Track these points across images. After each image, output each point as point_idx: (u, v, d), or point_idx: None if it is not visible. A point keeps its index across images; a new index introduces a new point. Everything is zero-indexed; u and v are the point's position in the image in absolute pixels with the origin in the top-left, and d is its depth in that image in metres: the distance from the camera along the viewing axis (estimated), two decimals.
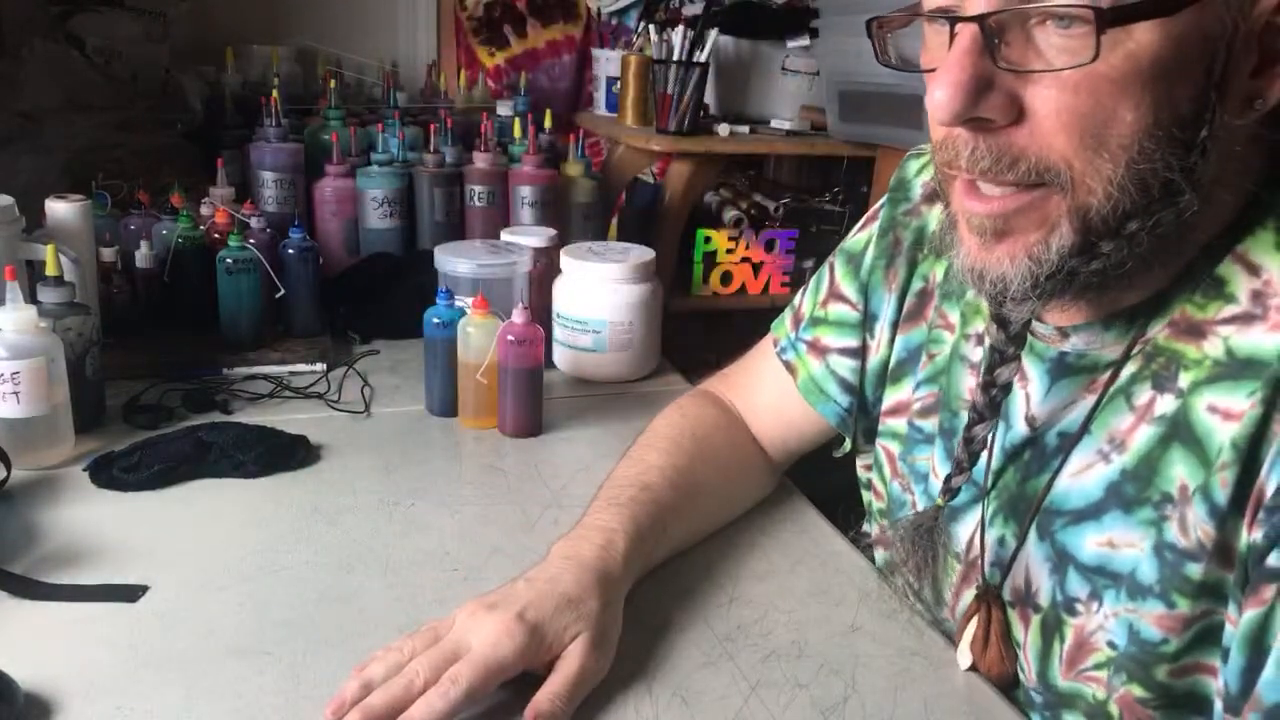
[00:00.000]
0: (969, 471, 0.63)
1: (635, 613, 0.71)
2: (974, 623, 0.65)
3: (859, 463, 0.83)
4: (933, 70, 0.52)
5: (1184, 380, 0.54)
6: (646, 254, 1.17)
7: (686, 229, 1.70)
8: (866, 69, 1.49)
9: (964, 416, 0.66)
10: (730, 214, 1.75)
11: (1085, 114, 0.48)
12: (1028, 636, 0.62)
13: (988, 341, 0.62)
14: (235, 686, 0.61)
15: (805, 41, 1.74)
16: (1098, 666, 0.58)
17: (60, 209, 1.04)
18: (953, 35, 0.50)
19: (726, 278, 1.75)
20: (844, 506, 0.87)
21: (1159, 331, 0.56)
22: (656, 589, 0.74)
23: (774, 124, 1.75)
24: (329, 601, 0.71)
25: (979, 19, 0.49)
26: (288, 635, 0.66)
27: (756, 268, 1.76)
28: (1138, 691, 0.55)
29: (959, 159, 0.52)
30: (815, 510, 0.88)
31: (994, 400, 0.61)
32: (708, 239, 1.71)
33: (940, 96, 0.50)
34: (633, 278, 1.14)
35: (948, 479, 0.65)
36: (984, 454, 0.64)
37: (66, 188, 1.09)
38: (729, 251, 1.74)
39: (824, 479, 0.91)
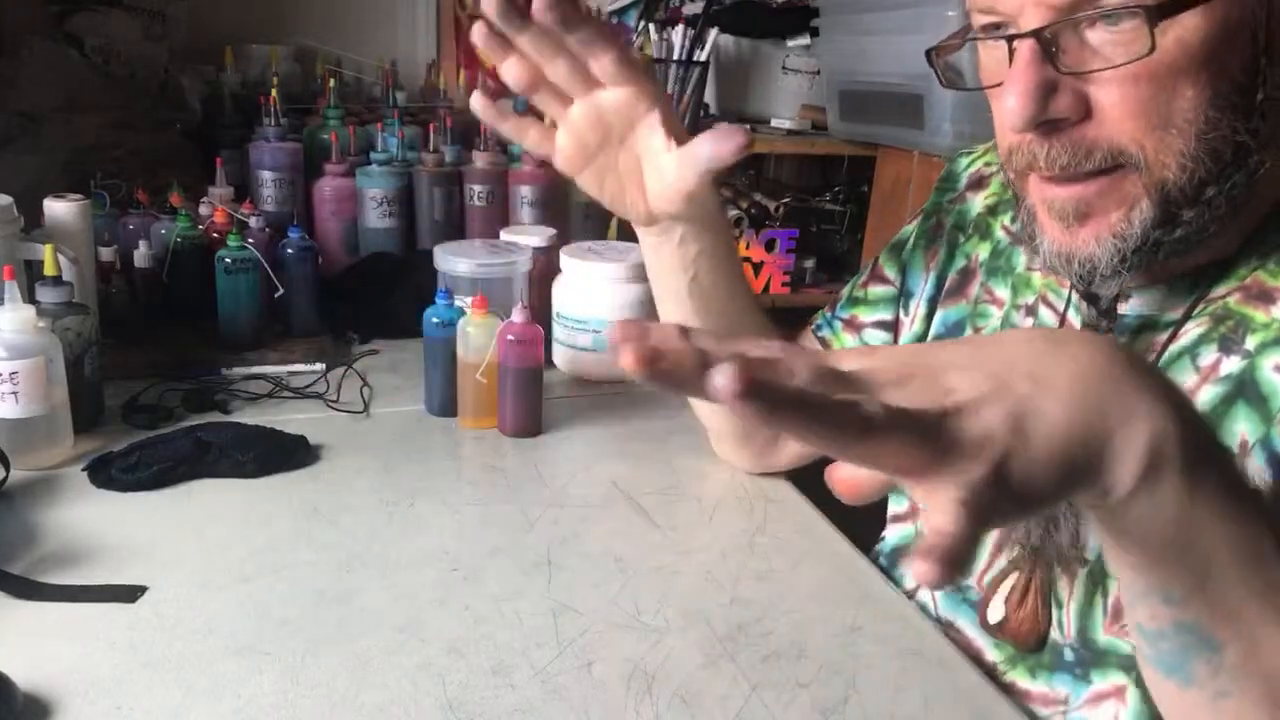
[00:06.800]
0: None
1: (635, 612, 0.71)
2: (1012, 578, 0.65)
3: None
4: (995, 86, 0.55)
5: (1251, 343, 0.56)
6: None
7: None
8: (867, 68, 1.49)
9: None
10: (730, 213, 1.75)
11: (1148, 99, 0.51)
12: (1071, 592, 0.62)
13: (1064, 292, 0.63)
14: (235, 686, 0.61)
15: (806, 41, 1.74)
16: None
17: (59, 208, 1.04)
18: (1011, 51, 0.53)
19: None
20: (854, 511, 0.87)
21: (1230, 294, 0.57)
22: (657, 589, 0.74)
23: (774, 123, 1.75)
24: (329, 601, 0.70)
25: (1034, 33, 0.52)
26: (287, 635, 0.66)
27: (757, 268, 1.76)
28: None
29: (1038, 161, 0.55)
30: (815, 510, 0.88)
31: None
32: None
33: (1012, 105, 0.52)
34: (633, 277, 1.13)
35: None
36: None
37: (65, 187, 1.09)
38: None
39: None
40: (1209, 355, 0.57)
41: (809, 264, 1.80)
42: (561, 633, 0.68)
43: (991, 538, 0.68)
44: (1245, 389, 0.55)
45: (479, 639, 0.67)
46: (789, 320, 0.87)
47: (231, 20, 1.79)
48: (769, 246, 1.75)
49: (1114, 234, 0.54)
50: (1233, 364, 0.56)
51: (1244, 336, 0.56)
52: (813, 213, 1.81)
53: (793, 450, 0.90)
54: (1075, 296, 0.64)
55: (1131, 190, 0.53)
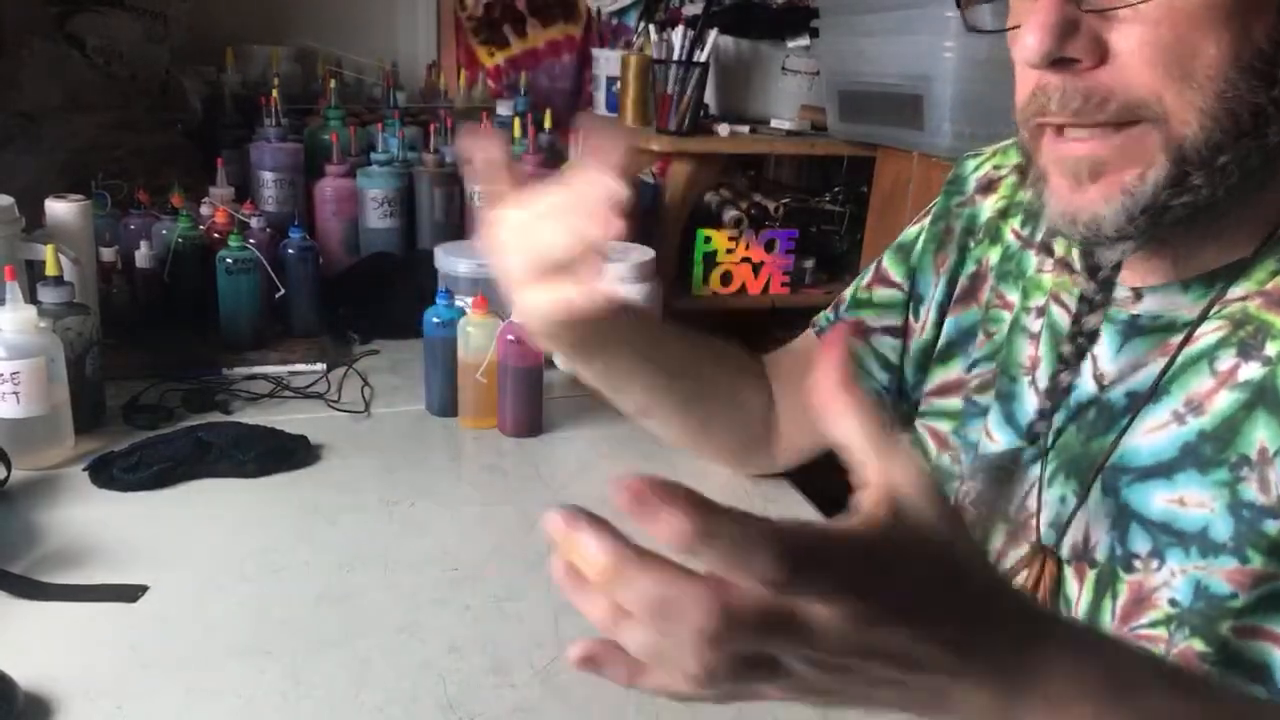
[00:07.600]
0: (1052, 417, 0.64)
1: None
2: (1021, 576, 0.65)
3: None
4: (1017, 27, 0.55)
5: (1271, 349, 0.55)
6: (646, 254, 1.17)
7: (686, 229, 1.70)
8: (867, 69, 1.49)
9: (1023, 382, 0.68)
10: (730, 214, 1.75)
11: (1168, 47, 0.51)
12: (1081, 592, 0.62)
13: (1076, 291, 0.63)
14: (235, 686, 0.61)
15: (805, 41, 1.74)
16: (1153, 624, 0.58)
17: (60, 209, 1.04)
18: None
19: (726, 278, 1.75)
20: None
21: (1250, 298, 0.57)
22: None
23: (774, 124, 1.75)
24: (329, 601, 0.71)
25: None
26: (288, 635, 0.66)
27: (756, 268, 1.76)
28: (1199, 646, 0.56)
29: (1050, 104, 0.54)
30: (816, 510, 0.88)
31: (1080, 348, 0.62)
32: (708, 239, 1.71)
33: (1030, 40, 0.52)
34: (633, 278, 1.14)
35: (1030, 425, 0.65)
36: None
37: (66, 188, 1.09)
38: (729, 251, 1.73)
39: (832, 483, 0.91)
40: (1227, 360, 0.57)
41: (809, 264, 1.80)
42: (561, 633, 0.68)
43: (1002, 535, 0.68)
44: (1265, 396, 0.55)
45: (479, 639, 0.67)
46: (789, 321, 0.87)
47: (232, 21, 1.79)
48: (769, 247, 1.75)
49: (1124, 191, 0.54)
50: (1252, 370, 0.56)
51: (1264, 342, 0.56)
52: (812, 213, 1.81)
53: (791, 449, 0.89)
54: (1084, 281, 0.62)
55: (1151, 147, 0.53)
